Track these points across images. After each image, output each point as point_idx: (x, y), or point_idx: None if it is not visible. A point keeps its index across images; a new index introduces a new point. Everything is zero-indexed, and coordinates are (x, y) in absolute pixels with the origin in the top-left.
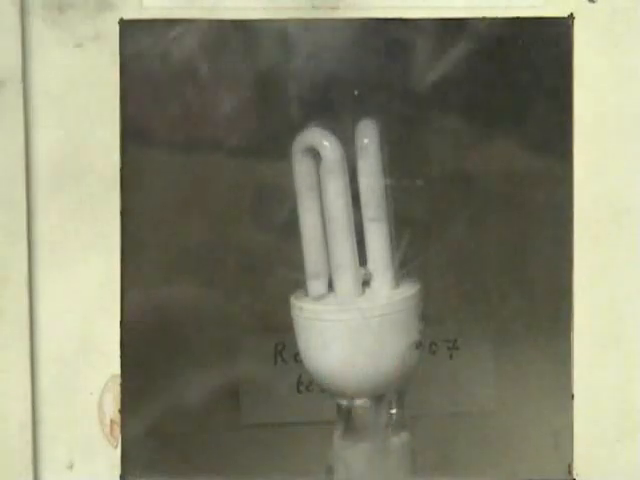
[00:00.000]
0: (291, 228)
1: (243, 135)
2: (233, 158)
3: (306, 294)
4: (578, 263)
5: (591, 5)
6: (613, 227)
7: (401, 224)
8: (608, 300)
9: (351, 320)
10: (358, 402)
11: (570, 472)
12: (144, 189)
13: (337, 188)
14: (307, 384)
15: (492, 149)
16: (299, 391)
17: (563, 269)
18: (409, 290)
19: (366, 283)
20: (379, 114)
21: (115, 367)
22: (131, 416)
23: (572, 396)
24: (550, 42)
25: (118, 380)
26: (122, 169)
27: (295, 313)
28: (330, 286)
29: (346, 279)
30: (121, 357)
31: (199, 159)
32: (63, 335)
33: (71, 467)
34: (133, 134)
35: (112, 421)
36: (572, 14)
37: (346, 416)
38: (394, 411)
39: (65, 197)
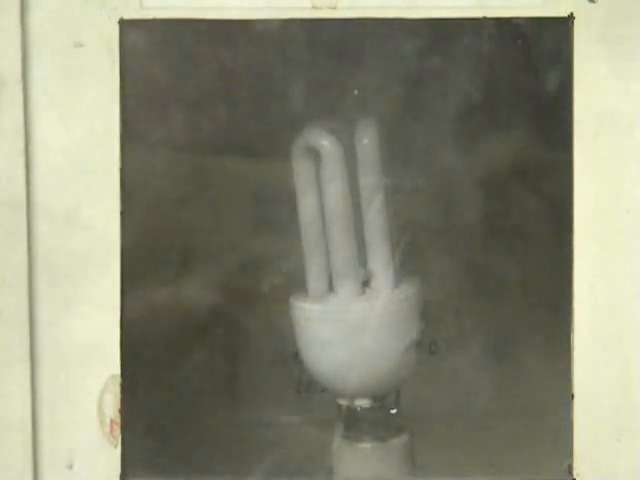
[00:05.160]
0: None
1: None
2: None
3: (306, 294)
4: (578, 263)
5: (591, 5)
6: (613, 227)
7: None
8: (608, 300)
9: (351, 320)
10: (358, 402)
11: (570, 472)
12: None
13: (337, 188)
14: (307, 384)
15: (491, 148)
16: (299, 391)
17: (563, 269)
18: (409, 290)
19: (366, 283)
20: (379, 116)
21: (115, 367)
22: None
23: (572, 396)
24: (550, 42)
25: (118, 380)
26: (122, 169)
27: (295, 313)
28: (330, 286)
29: (346, 279)
30: (121, 357)
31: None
32: (63, 335)
33: (71, 467)
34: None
35: (112, 421)
36: (572, 14)
37: (346, 416)
38: (394, 411)
39: (65, 197)
